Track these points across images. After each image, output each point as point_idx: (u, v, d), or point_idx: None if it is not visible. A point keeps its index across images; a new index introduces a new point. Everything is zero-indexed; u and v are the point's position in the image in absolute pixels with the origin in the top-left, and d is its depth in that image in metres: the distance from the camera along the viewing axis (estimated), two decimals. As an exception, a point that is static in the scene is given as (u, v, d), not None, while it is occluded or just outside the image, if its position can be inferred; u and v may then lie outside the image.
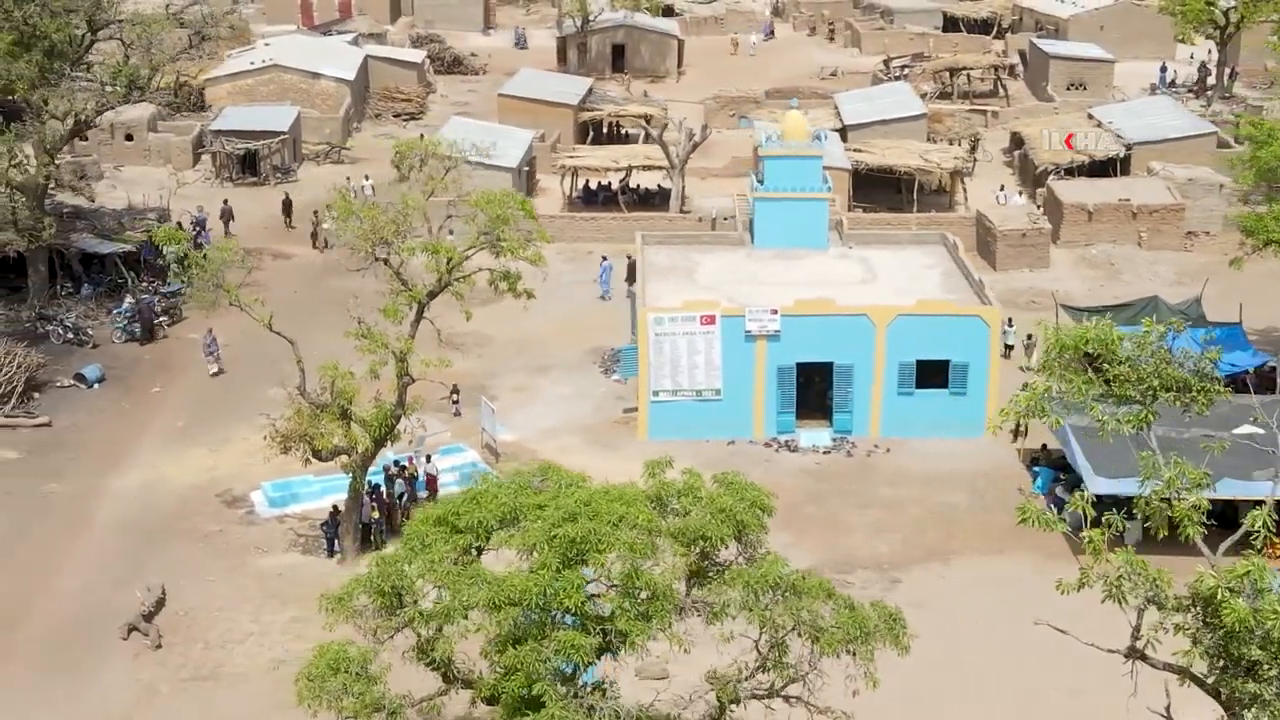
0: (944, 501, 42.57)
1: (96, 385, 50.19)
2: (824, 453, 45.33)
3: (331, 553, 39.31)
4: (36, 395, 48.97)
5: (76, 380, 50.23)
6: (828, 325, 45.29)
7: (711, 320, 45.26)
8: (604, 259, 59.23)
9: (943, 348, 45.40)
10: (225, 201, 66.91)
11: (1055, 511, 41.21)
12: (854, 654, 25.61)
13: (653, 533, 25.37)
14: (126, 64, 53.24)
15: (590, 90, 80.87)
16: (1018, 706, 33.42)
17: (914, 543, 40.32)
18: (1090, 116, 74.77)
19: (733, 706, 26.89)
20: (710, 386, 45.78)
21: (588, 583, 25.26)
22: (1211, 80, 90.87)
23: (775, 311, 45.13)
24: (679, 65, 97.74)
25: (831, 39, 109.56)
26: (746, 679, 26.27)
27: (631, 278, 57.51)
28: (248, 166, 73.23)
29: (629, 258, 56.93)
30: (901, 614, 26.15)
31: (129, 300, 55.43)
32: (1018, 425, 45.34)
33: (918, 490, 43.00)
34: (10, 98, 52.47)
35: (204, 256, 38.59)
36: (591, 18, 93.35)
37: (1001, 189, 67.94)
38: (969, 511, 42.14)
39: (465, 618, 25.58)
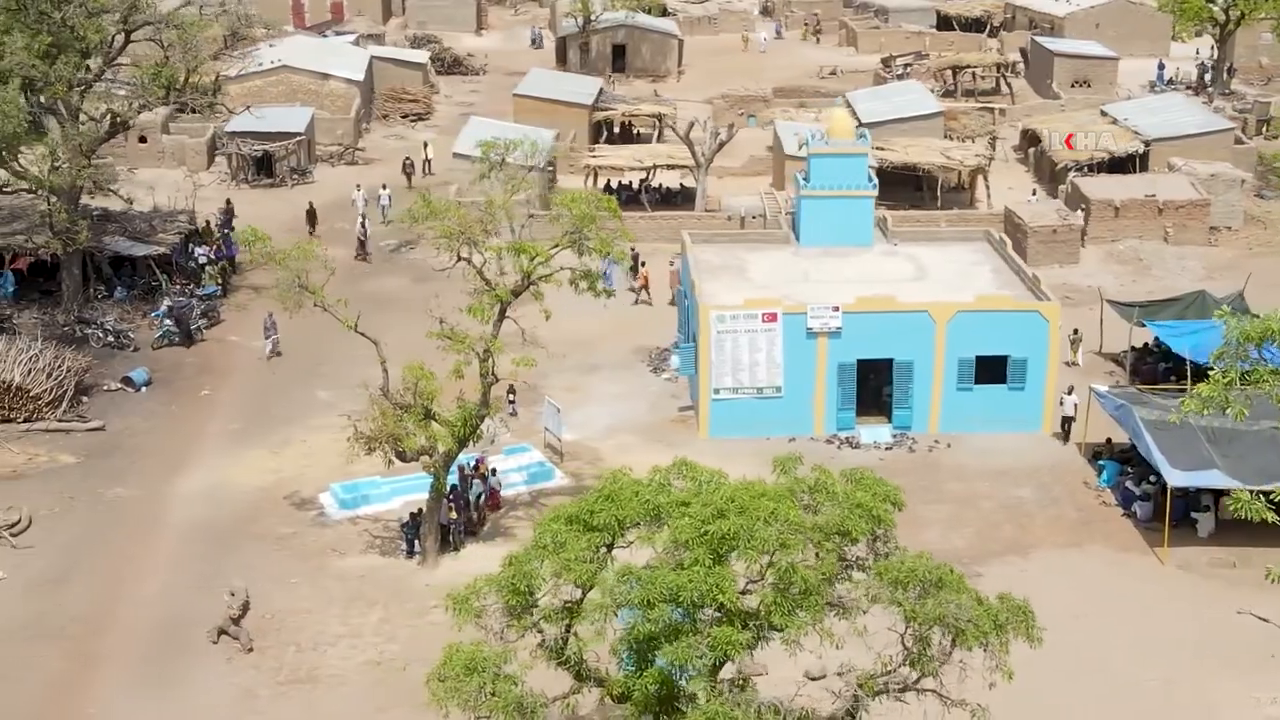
0: (1013, 495, 42.83)
1: (144, 389, 49.83)
2: (886, 449, 45.51)
3: (411, 554, 39.17)
4: (85, 399, 48.60)
5: (124, 384, 49.88)
6: (888, 322, 45.48)
7: (773, 318, 45.38)
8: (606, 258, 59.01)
9: (1002, 343, 45.65)
10: (228, 201, 66.62)
11: (1123, 504, 42.01)
12: (985, 647, 25.78)
13: (799, 529, 25.49)
14: (166, 65, 52.81)
15: (601, 90, 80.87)
16: (1117, 696, 33.63)
17: (989, 537, 40.55)
18: (1104, 113, 75.32)
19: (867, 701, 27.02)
20: (771, 384, 45.88)
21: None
22: (1210, 77, 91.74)
23: (837, 309, 45.28)
24: (679, 65, 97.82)
25: (818, 40, 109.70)
26: (889, 673, 26.39)
27: (634, 270, 57.53)
28: (263, 168, 72.91)
29: (635, 254, 56.86)
30: (1030, 606, 26.28)
31: (166, 303, 55.09)
32: (1067, 427, 45.59)
33: (986, 485, 43.24)
34: (48, 99, 51.79)
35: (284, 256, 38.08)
36: (593, 18, 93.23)
37: (1034, 192, 68.44)
38: (1039, 505, 42.40)
39: (615, 615, 25.62)
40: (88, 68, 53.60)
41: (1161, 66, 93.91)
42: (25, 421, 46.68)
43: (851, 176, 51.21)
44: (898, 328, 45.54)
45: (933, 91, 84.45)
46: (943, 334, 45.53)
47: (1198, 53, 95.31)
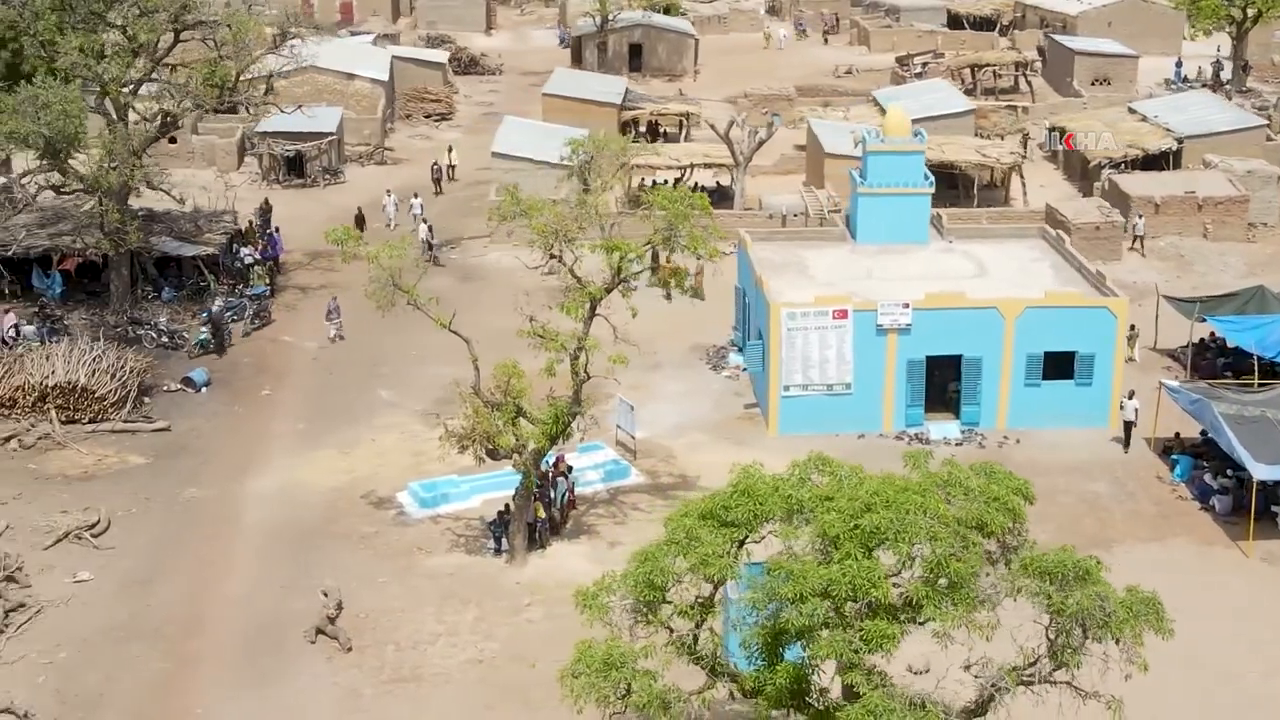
0: (1089, 490, 42.98)
1: (204, 389, 49.65)
2: (956, 444, 45.62)
3: (499, 551, 39.12)
4: (146, 399, 48.41)
5: (184, 384, 49.70)
6: (958, 319, 45.60)
7: (844, 315, 45.45)
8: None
9: (1070, 339, 45.83)
10: (266, 201, 66.50)
11: (1200, 498, 42.21)
12: (1118, 640, 25.91)
13: (947, 522, 25.60)
14: (219, 65, 52.67)
15: (626, 89, 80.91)
16: (1219, 689, 33.81)
17: (1071, 531, 40.58)
18: (1131, 110, 75.68)
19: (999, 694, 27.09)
20: (841, 380, 45.97)
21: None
22: (1225, 75, 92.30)
23: (907, 305, 45.39)
24: (695, 64, 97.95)
25: (826, 40, 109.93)
26: (1032, 665, 26.49)
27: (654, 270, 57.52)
28: (294, 168, 72.74)
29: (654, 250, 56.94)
30: (1159, 598, 26.42)
31: (217, 303, 54.94)
32: (1128, 433, 45.38)
33: (1062, 480, 43.35)
34: (99, 99, 51.61)
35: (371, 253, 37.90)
36: (611, 17, 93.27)
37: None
38: (1115, 500, 42.57)
39: (765, 608, 25.66)
40: (137, 67, 53.38)
41: (1179, 64, 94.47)
42: (91, 422, 46.48)
43: (908, 174, 51.37)
44: (967, 324, 45.67)
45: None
46: (1011, 330, 45.68)
47: (1219, 49, 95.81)
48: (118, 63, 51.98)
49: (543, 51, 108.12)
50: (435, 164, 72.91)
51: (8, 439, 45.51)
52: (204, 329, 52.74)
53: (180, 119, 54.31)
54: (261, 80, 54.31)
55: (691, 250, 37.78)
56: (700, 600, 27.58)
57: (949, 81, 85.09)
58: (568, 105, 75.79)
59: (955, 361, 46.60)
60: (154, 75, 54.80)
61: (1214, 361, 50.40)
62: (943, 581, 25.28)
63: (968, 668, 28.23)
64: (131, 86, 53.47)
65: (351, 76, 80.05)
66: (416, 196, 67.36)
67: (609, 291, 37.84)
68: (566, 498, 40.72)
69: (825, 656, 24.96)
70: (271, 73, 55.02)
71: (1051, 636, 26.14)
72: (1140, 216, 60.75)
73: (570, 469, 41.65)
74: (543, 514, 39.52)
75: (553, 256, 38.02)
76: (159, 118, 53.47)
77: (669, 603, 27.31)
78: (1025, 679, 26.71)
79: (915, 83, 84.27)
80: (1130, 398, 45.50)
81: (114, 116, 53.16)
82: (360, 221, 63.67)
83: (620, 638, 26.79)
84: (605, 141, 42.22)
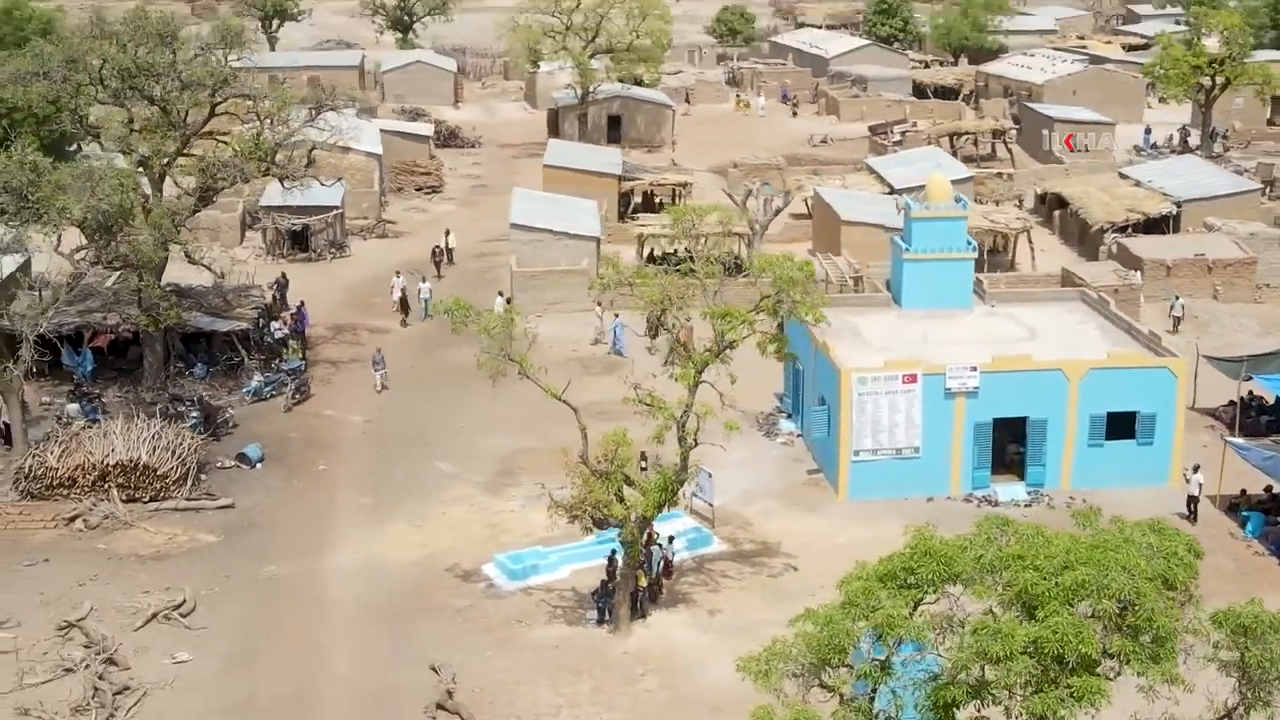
0: (1167, 548, 43.41)
1: (259, 465, 49.10)
2: (1025, 506, 46.03)
3: (601, 621, 38.90)
4: (203, 476, 47.78)
5: (239, 460, 49.11)
6: (1024, 381, 46.18)
7: (913, 379, 45.88)
8: (615, 316, 59.43)
9: (1132, 399, 46.53)
10: (283, 274, 66.10)
11: (1277, 553, 42.84)
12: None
13: (1147, 578, 25.92)
14: (259, 137, 52.50)
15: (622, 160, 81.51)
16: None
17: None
18: (1123, 176, 77.26)
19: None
20: (910, 444, 46.33)
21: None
22: (1193, 141, 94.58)
23: (974, 368, 45.91)
24: (673, 135, 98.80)
25: (795, 113, 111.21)
26: (1224, 718, 26.80)
27: (654, 333, 57.68)
28: (298, 242, 72.37)
29: (648, 316, 57.31)
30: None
31: (257, 378, 54.51)
32: (1193, 508, 45.70)
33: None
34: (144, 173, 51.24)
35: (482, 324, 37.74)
36: (592, 89, 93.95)
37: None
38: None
39: (967, 670, 25.77)
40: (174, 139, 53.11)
41: (1148, 131, 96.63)
42: (153, 500, 45.79)
43: (952, 239, 52.10)
44: (1032, 386, 46.26)
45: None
46: (1075, 391, 46.31)
47: (1192, 119, 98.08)
48: (157, 136, 51.58)
49: (514, 124, 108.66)
50: (436, 247, 71.81)
51: (72, 519, 44.74)
52: (195, 413, 51.87)
53: (220, 191, 53.88)
54: (304, 151, 54.08)
55: (799, 316, 38.05)
56: (879, 663, 27.65)
57: (937, 149, 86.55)
58: (568, 176, 76.03)
59: (1015, 423, 47.15)
60: (187, 149, 54.44)
61: (1258, 419, 51.34)
62: (1145, 636, 25.59)
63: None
64: (167, 159, 53.03)
65: (347, 150, 79.63)
66: (425, 281, 66.40)
67: (717, 357, 37.96)
68: (661, 566, 40.63)
69: (1037, 714, 25.09)
70: (314, 144, 54.80)
71: (1244, 690, 26.46)
72: (1178, 298, 61.44)
73: (671, 539, 41.60)
74: (644, 582, 39.39)
75: (660, 325, 38.10)
76: (198, 190, 53.02)
77: (848, 666, 27.40)
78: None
79: (908, 150, 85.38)
80: (1195, 471, 45.53)
81: (152, 190, 52.70)
82: (404, 305, 63.09)
83: (796, 704, 26.82)
84: (710, 209, 42.40)
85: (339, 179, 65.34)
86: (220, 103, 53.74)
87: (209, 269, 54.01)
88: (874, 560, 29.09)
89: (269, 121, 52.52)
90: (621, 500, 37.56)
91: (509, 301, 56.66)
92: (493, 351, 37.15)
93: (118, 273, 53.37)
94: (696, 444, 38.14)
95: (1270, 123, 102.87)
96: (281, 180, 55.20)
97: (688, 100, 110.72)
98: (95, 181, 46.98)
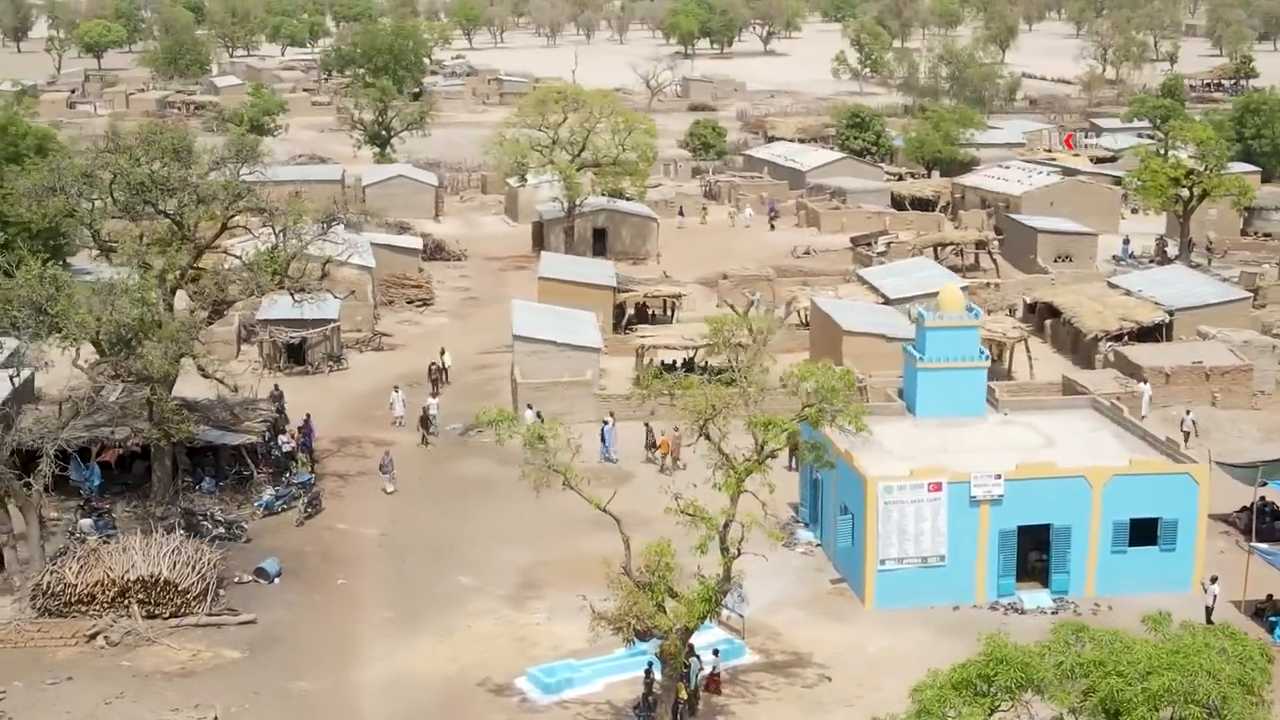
0: (1198, 655, 43.46)
1: (276, 579, 48.60)
2: (1052, 613, 46.02)
3: (644, 735, 38.57)
4: (222, 591, 47.22)
5: (257, 575, 48.61)
6: (1048, 488, 46.43)
7: (939, 487, 46.03)
8: (605, 421, 59.48)
9: (1155, 505, 46.83)
10: (276, 387, 65.81)
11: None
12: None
13: (1231, 682, 26.01)
14: (274, 250, 52.58)
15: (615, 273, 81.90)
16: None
17: (1197, 696, 41.04)
18: (1111, 285, 78.23)
19: None
20: (935, 553, 46.39)
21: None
22: (1171, 251, 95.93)
23: (999, 476, 46.12)
24: (657, 247, 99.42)
25: (773, 226, 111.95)
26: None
27: (651, 444, 57.96)
28: (294, 356, 72.20)
29: (647, 424, 57.47)
30: None
31: (269, 492, 54.18)
32: (1209, 617, 45.83)
33: (1169, 645, 43.80)
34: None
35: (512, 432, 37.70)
36: (579, 202, 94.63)
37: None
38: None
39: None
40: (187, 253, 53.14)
41: (1126, 241, 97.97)
42: (173, 616, 45.21)
43: (965, 348, 52.51)
44: (1056, 493, 46.50)
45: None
46: (1099, 498, 46.56)
47: (1170, 229, 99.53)
48: (171, 250, 51.61)
49: (496, 237, 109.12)
50: (433, 364, 71.18)
51: (92, 635, 44.10)
52: (219, 529, 51.42)
53: (231, 304, 53.86)
54: (318, 264, 54.17)
55: (840, 426, 38.26)
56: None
57: (926, 259, 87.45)
58: (564, 288, 76.28)
59: (1036, 531, 47.30)
60: (197, 263, 54.45)
61: (1272, 524, 51.69)
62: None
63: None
64: (180, 272, 52.99)
65: (341, 263, 79.80)
66: (434, 396, 65.94)
67: (760, 464, 38.01)
68: (701, 679, 40.33)
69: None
70: (329, 258, 54.91)
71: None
72: (1188, 411, 61.58)
73: (716, 652, 41.43)
74: (684, 695, 39.07)
75: (704, 435, 38.16)
76: (210, 303, 52.94)
77: (925, 776, 27.28)
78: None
79: (899, 261, 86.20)
80: (1213, 582, 45.79)
81: (164, 304, 52.57)
82: (425, 422, 62.67)
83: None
84: (747, 320, 42.64)
85: (349, 292, 64.94)
86: (233, 215, 53.82)
87: (222, 382, 53.71)
88: (927, 670, 29.15)
89: (283, 234, 52.51)
90: (663, 611, 37.35)
91: (539, 415, 56.38)
92: (537, 462, 37.03)
93: (123, 386, 52.91)
94: (739, 553, 38.02)
95: (1243, 233, 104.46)
96: (293, 294, 55.06)
97: (681, 214, 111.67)
98: (116, 295, 46.80)
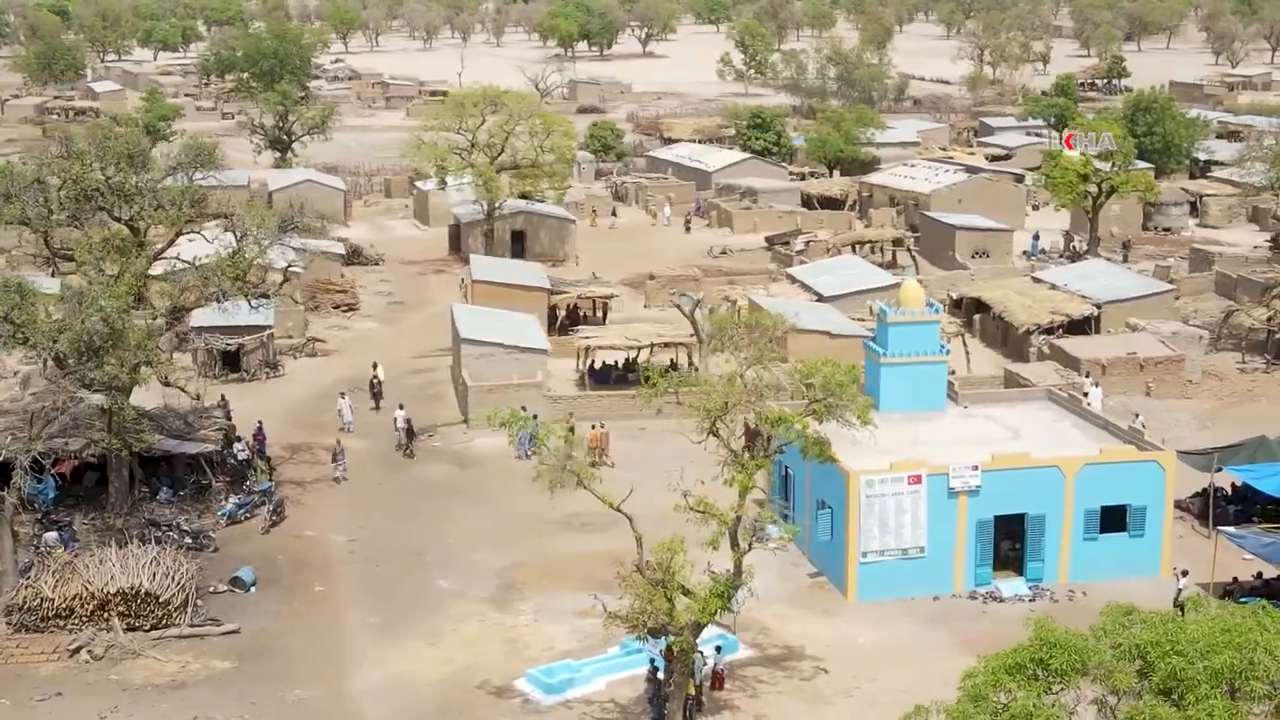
0: (1179, 637, 44.60)
1: (253, 588, 47.98)
2: (1030, 601, 46.97)
3: (655, 731, 38.71)
4: (200, 603, 46.51)
5: (233, 584, 47.95)
6: (1023, 478, 47.35)
7: (918, 480, 46.73)
8: (534, 416, 59.23)
9: (1124, 492, 47.97)
10: (222, 396, 64.88)
11: None
12: None
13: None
14: (234, 256, 51.88)
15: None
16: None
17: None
18: (1036, 280, 79.85)
19: None
20: (915, 544, 47.08)
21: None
22: (1080, 246, 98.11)
23: (976, 468, 46.94)
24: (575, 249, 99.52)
25: (689, 228, 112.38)
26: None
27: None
28: (228, 363, 71.22)
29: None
30: None
31: (233, 500, 53.49)
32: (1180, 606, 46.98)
33: (1150, 628, 44.90)
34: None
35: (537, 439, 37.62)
36: (498, 204, 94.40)
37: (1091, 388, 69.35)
38: (1205, 644, 44.27)
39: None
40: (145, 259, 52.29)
41: (1036, 237, 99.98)
42: (155, 628, 44.46)
43: (926, 343, 53.30)
44: (1031, 483, 47.45)
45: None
46: (1071, 486, 47.59)
47: (1074, 225, 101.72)
48: (128, 256, 50.75)
49: (409, 241, 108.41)
50: (374, 378, 69.71)
51: (75, 650, 43.23)
52: (188, 539, 50.83)
53: (191, 309, 53.03)
54: (278, 270, 53.53)
55: (849, 422, 38.81)
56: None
57: (855, 256, 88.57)
58: (497, 290, 76.11)
59: (1008, 521, 48.21)
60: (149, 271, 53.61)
61: (1226, 509, 53.15)
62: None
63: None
64: (139, 279, 52.12)
65: (267, 268, 78.73)
66: (401, 408, 64.51)
67: (768, 459, 38.35)
68: (708, 676, 40.57)
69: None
70: (290, 263, 54.26)
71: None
72: (1138, 415, 62.36)
73: (719, 648, 41.64)
74: (693, 691, 39.29)
75: (712, 432, 38.41)
76: (169, 310, 52.11)
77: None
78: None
79: (828, 259, 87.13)
80: (1185, 575, 46.52)
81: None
82: (410, 434, 61.61)
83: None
84: (762, 317, 42.92)
85: (288, 296, 64.24)
86: (189, 221, 53.03)
87: (183, 390, 52.91)
88: (981, 655, 29.63)
89: (244, 238, 51.85)
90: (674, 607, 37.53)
91: (535, 416, 56.03)
92: (552, 463, 37.03)
93: (75, 396, 51.81)
94: (751, 548, 38.33)
95: (1144, 228, 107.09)
96: (249, 299, 54.35)
97: (614, 214, 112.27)
98: (86, 304, 45.91)
